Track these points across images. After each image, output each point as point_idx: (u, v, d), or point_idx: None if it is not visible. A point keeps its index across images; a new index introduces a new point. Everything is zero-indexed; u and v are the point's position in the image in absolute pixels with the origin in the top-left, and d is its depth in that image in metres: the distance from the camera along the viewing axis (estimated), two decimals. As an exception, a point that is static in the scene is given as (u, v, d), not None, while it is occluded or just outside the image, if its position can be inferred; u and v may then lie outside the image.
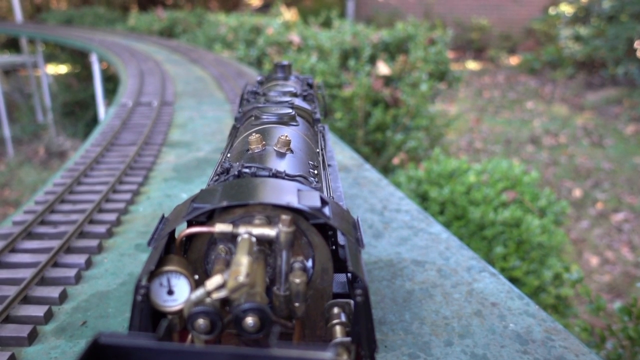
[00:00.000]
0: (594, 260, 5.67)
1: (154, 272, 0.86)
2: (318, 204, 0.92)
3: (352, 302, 0.93)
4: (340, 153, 3.20)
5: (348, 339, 0.89)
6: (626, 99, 10.71)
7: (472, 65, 14.90)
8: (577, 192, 7.23)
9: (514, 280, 3.31)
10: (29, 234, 2.03)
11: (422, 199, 3.85)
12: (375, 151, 5.73)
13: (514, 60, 14.95)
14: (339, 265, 1.04)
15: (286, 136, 1.24)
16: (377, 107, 5.69)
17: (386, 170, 5.50)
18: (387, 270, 1.87)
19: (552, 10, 13.52)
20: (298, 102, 1.67)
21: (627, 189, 7.31)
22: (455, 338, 1.51)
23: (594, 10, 11.81)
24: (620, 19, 11.25)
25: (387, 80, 6.13)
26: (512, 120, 10.28)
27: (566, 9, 12.85)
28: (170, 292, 0.88)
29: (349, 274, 1.09)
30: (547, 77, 12.92)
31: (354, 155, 3.19)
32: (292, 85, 1.92)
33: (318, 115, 1.73)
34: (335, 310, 0.95)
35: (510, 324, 1.58)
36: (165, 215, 1.02)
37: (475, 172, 3.81)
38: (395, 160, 5.31)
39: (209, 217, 0.97)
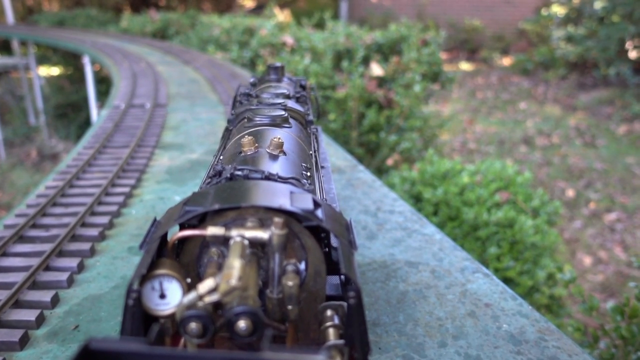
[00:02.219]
0: (587, 260, 5.70)
1: (146, 275, 0.86)
2: (311, 206, 0.92)
3: (345, 304, 0.93)
4: (333, 154, 3.20)
5: (341, 341, 0.89)
6: (618, 99, 10.78)
7: (465, 66, 14.96)
8: (570, 192, 7.26)
9: (507, 281, 3.32)
10: (20, 238, 2.01)
11: (416, 200, 3.86)
12: (369, 152, 5.73)
13: (506, 61, 15.01)
14: (332, 267, 1.04)
15: (279, 138, 1.23)
16: (370, 108, 5.69)
17: (380, 171, 5.50)
18: (381, 272, 1.87)
19: (544, 11, 13.60)
20: (291, 104, 1.67)
21: (619, 189, 7.35)
22: (449, 339, 1.51)
23: (585, 11, 11.88)
24: (612, 20, 11.33)
25: (381, 82, 6.14)
26: (505, 120, 10.32)
27: (558, 10, 12.92)
28: (163, 296, 0.87)
29: (342, 276, 1.08)
30: (540, 77, 12.99)
31: (348, 156, 3.19)
32: (285, 87, 1.92)
33: (311, 117, 1.73)
34: (329, 312, 0.94)
35: (503, 325, 1.58)
36: (158, 219, 1.01)
37: (469, 172, 3.82)
38: (389, 161, 5.32)
39: (202, 220, 0.96)
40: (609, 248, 5.94)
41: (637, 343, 2.04)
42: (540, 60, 13.09)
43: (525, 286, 3.27)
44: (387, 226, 2.23)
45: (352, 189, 2.65)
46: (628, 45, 11.43)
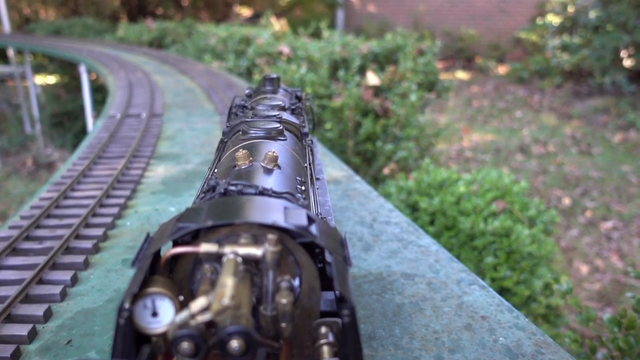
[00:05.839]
0: (584, 269, 5.70)
1: (138, 293, 0.85)
2: (304, 222, 0.91)
3: (340, 321, 0.92)
4: (329, 165, 3.20)
5: (336, 359, 0.88)
6: (613, 108, 10.83)
7: (461, 74, 15.02)
8: (566, 201, 7.27)
9: (504, 290, 3.31)
10: (13, 250, 2.00)
11: (413, 210, 3.85)
12: (366, 161, 5.73)
13: (502, 70, 15.08)
14: (327, 282, 1.03)
15: (273, 152, 1.23)
16: (367, 117, 5.70)
17: (376, 180, 5.50)
18: (377, 284, 1.86)
19: (539, 21, 13.68)
20: (286, 116, 1.67)
21: (615, 197, 7.37)
22: (445, 353, 1.50)
23: (580, 20, 11.96)
24: (607, 29, 11.40)
25: (377, 91, 6.16)
26: (501, 129, 10.35)
27: (553, 19, 13.01)
28: (155, 314, 0.86)
29: (337, 292, 1.07)
30: (536, 86, 13.05)
31: (344, 166, 3.19)
32: (280, 99, 1.91)
33: (306, 129, 1.72)
34: (323, 329, 0.93)
35: (500, 338, 1.57)
36: (151, 234, 1.00)
37: (465, 182, 3.82)
38: (386, 171, 5.32)
39: (195, 237, 0.95)
40: (605, 256, 5.94)
41: (635, 354, 2.04)
42: (536, 69, 13.16)
43: (522, 296, 3.26)
44: (383, 237, 2.23)
45: (348, 199, 2.64)
46: (623, 54, 11.51)
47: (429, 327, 1.62)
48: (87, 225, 2.23)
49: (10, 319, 1.60)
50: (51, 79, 13.77)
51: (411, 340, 1.56)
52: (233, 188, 1.04)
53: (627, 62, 11.58)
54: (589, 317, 2.21)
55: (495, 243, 3.40)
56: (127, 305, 0.82)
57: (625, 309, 2.11)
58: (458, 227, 3.52)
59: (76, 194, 2.56)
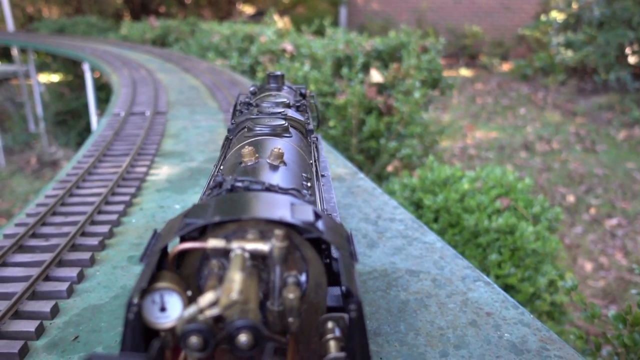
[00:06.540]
0: (588, 266, 5.69)
1: (147, 289, 0.85)
2: (311, 218, 0.91)
3: (346, 316, 0.92)
4: (334, 162, 3.20)
5: (342, 354, 0.89)
6: (618, 105, 10.79)
7: (464, 72, 14.98)
8: (571, 198, 7.26)
9: (509, 288, 3.31)
10: (20, 247, 2.01)
11: (417, 207, 3.85)
12: (369, 159, 5.73)
13: (506, 67, 15.04)
14: (333, 278, 1.04)
15: (279, 149, 1.23)
16: (370, 114, 5.70)
17: (380, 178, 5.50)
18: (382, 281, 1.87)
19: (543, 17, 13.62)
20: (291, 113, 1.67)
21: (620, 194, 7.35)
22: (450, 349, 1.51)
23: (584, 17, 11.91)
24: (611, 26, 11.35)
25: (381, 88, 6.15)
26: (505, 126, 10.33)
27: (557, 16, 12.95)
28: (163, 309, 0.87)
29: (344, 287, 1.08)
30: (540, 83, 13.01)
31: (348, 164, 3.19)
32: (285, 96, 1.92)
33: (311, 126, 1.73)
34: (330, 324, 0.94)
35: (505, 334, 1.57)
36: (158, 230, 1.01)
37: (469, 179, 3.82)
38: (389, 168, 5.32)
39: (202, 232, 0.96)
40: (610, 254, 5.93)
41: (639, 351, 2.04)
42: (540, 65, 13.11)
43: (527, 293, 3.26)
44: (387, 234, 2.23)
45: (353, 196, 2.64)
46: (627, 50, 11.46)
47: (434, 324, 1.62)
48: (93, 223, 2.24)
49: (18, 315, 1.62)
50: (55, 78, 13.80)
51: (416, 336, 1.56)
52: (240, 184, 1.04)
53: (632, 59, 11.54)
54: (593, 314, 2.21)
55: (500, 240, 3.40)
56: (136, 300, 0.82)
57: (630, 306, 2.10)
58: (462, 224, 3.51)
59: (81, 191, 2.57)
